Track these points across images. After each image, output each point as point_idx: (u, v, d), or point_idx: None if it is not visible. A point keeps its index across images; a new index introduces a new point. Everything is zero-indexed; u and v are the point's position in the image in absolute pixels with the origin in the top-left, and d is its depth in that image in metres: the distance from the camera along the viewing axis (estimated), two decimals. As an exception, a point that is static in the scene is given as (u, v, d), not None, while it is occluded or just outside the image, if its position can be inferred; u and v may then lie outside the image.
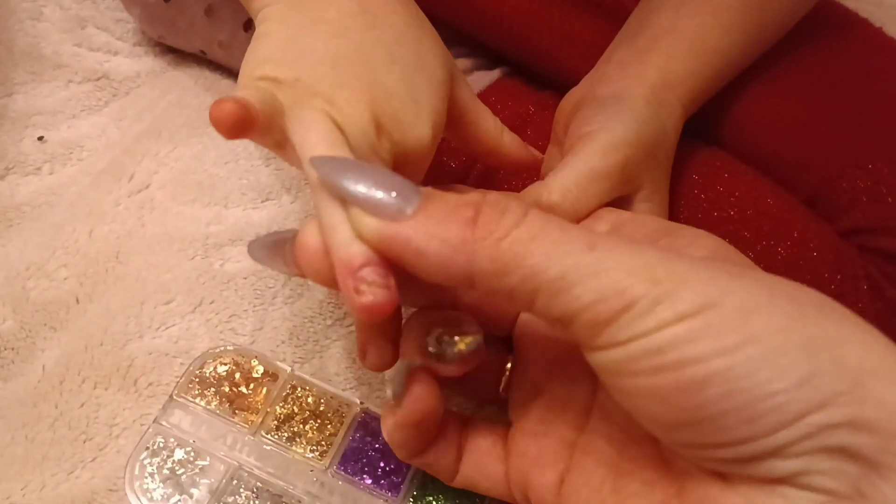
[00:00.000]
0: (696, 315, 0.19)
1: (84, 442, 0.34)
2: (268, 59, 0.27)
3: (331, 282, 0.24)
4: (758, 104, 0.41)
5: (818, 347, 0.19)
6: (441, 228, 0.22)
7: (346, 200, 0.23)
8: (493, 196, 0.22)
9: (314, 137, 0.25)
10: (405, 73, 0.29)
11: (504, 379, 0.29)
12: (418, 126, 0.29)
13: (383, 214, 0.22)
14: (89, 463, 0.33)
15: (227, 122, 0.23)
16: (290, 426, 0.33)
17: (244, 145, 0.44)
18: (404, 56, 0.29)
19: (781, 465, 0.19)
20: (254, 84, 0.26)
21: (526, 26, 0.44)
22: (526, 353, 0.29)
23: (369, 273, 0.22)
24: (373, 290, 0.22)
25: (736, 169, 0.39)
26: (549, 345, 0.28)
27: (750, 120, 0.41)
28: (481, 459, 0.27)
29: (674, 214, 0.38)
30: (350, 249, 0.22)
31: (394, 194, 0.22)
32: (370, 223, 0.22)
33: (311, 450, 0.33)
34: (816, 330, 0.19)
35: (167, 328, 0.37)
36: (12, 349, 0.37)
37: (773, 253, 0.36)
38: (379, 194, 0.22)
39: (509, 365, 0.29)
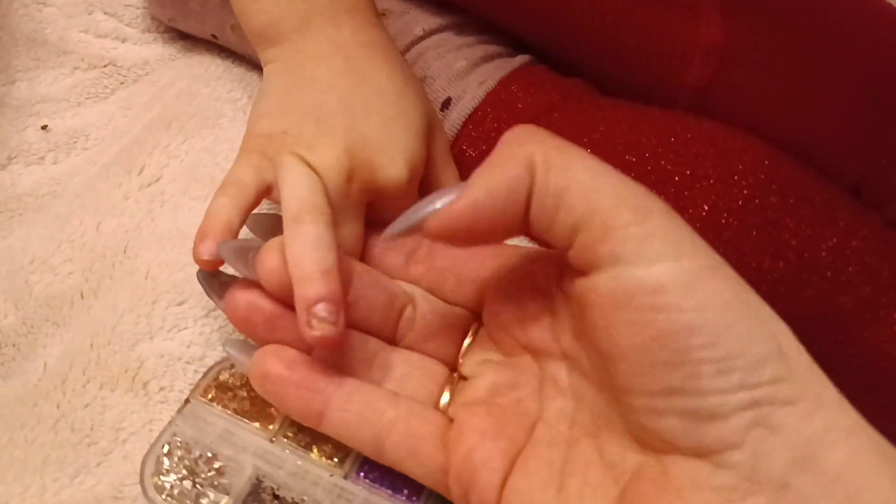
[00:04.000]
0: (691, 262, 0.23)
1: (88, 446, 0.33)
2: (264, 114, 0.35)
3: (283, 297, 0.29)
4: (800, 89, 0.41)
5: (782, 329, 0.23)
6: (497, 172, 0.25)
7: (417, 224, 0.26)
8: None
9: (293, 179, 0.31)
10: (382, 121, 0.34)
11: (462, 351, 0.32)
12: (392, 167, 0.34)
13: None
14: (94, 468, 0.33)
15: (206, 266, 0.31)
16: (308, 432, 0.33)
17: None
18: (382, 107, 0.35)
19: (727, 430, 0.22)
20: (252, 142, 0.34)
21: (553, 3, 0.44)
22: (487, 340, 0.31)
23: (322, 309, 0.27)
24: (322, 327, 0.27)
25: (776, 156, 0.39)
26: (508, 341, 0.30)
27: (792, 106, 0.41)
28: (418, 444, 0.28)
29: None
30: (309, 286, 0.28)
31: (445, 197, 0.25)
32: (434, 222, 0.25)
33: (330, 456, 0.32)
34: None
35: (179, 331, 0.36)
36: (13, 345, 0.37)
37: (817, 242, 0.36)
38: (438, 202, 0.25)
39: (468, 341, 0.32)
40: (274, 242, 0.29)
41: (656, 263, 0.23)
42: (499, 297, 0.31)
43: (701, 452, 0.23)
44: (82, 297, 0.38)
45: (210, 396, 0.33)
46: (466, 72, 0.44)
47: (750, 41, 0.41)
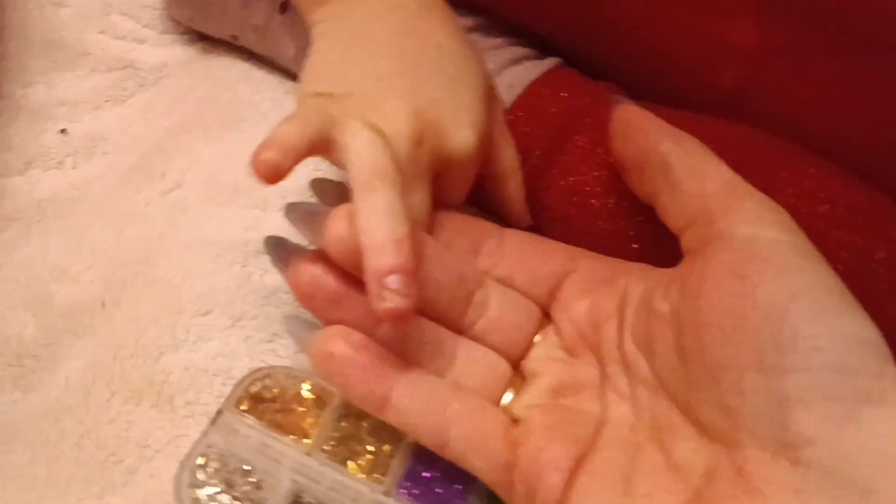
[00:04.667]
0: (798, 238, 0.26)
1: (114, 464, 0.33)
2: (321, 76, 0.32)
3: (350, 266, 0.28)
4: (841, 90, 0.39)
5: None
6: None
7: None
8: None
9: (361, 143, 0.28)
10: (448, 83, 0.32)
11: (529, 351, 0.31)
12: (462, 131, 0.32)
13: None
14: (120, 487, 0.32)
15: (261, 175, 0.27)
16: (346, 447, 0.32)
17: None
18: (446, 68, 0.33)
19: (811, 420, 0.22)
20: (310, 102, 0.31)
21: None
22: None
23: (394, 281, 0.26)
24: (394, 299, 0.26)
25: (821, 163, 0.38)
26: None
27: (833, 108, 0.40)
28: (483, 438, 0.28)
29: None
30: (381, 256, 0.26)
31: None
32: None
33: (368, 472, 0.31)
34: None
35: (205, 342, 0.35)
36: (33, 356, 0.36)
37: (869, 253, 0.35)
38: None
39: (538, 337, 0.31)
40: (343, 209, 0.28)
41: (769, 235, 0.25)
42: (575, 294, 0.31)
43: (781, 445, 0.22)
44: (104, 306, 0.37)
45: (243, 408, 0.32)
46: (495, 74, 0.43)
47: (787, 41, 0.40)
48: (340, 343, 0.28)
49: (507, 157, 0.36)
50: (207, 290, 0.37)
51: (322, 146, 0.28)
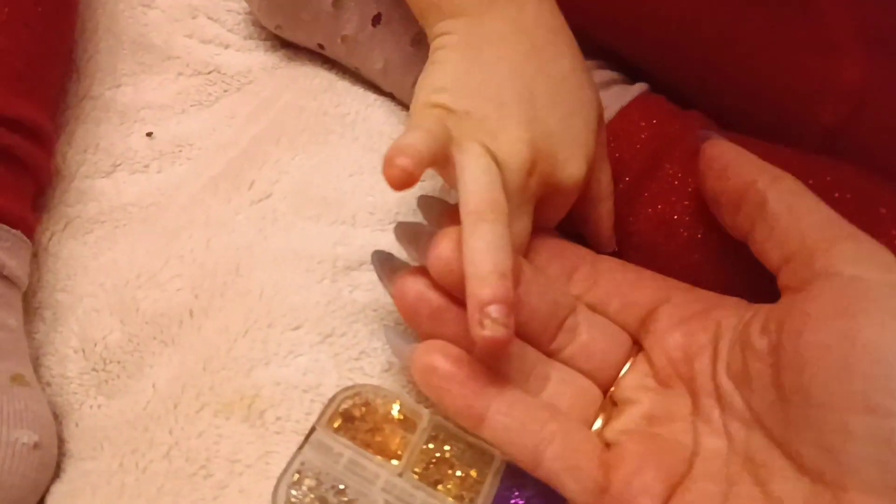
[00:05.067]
0: None
1: (204, 478, 0.32)
2: (443, 89, 0.32)
3: (451, 286, 0.29)
4: None
5: None
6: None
7: None
8: None
9: (477, 170, 0.29)
10: (565, 114, 0.33)
11: (619, 378, 0.32)
12: (573, 164, 0.32)
13: None
14: (210, 502, 0.31)
15: (395, 182, 0.27)
16: (437, 469, 0.32)
17: (369, 158, 0.42)
18: (565, 98, 0.33)
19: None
20: (429, 112, 0.31)
21: (689, 24, 0.42)
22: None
23: (494, 310, 0.26)
24: (494, 328, 0.26)
25: None
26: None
27: None
28: (577, 460, 0.28)
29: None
30: (485, 286, 0.27)
31: None
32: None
33: (458, 496, 0.31)
34: None
35: (295, 357, 0.35)
36: (118, 363, 0.36)
37: None
38: None
39: (628, 365, 0.32)
40: (450, 233, 0.29)
41: (874, 276, 0.25)
42: (669, 325, 0.31)
43: (889, 488, 0.22)
44: (192, 315, 0.36)
45: (336, 426, 0.32)
46: (584, 97, 0.42)
47: (892, 78, 0.39)
48: (441, 357, 0.29)
49: (603, 181, 0.37)
50: (298, 304, 0.36)
51: (440, 160, 0.29)
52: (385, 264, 0.33)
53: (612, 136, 0.41)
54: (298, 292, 0.37)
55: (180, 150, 0.42)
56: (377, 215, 0.40)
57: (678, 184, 0.38)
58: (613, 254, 0.37)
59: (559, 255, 0.34)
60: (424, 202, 0.35)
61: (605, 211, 0.37)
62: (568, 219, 0.37)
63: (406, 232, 0.33)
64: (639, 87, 0.44)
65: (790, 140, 0.42)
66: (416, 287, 0.30)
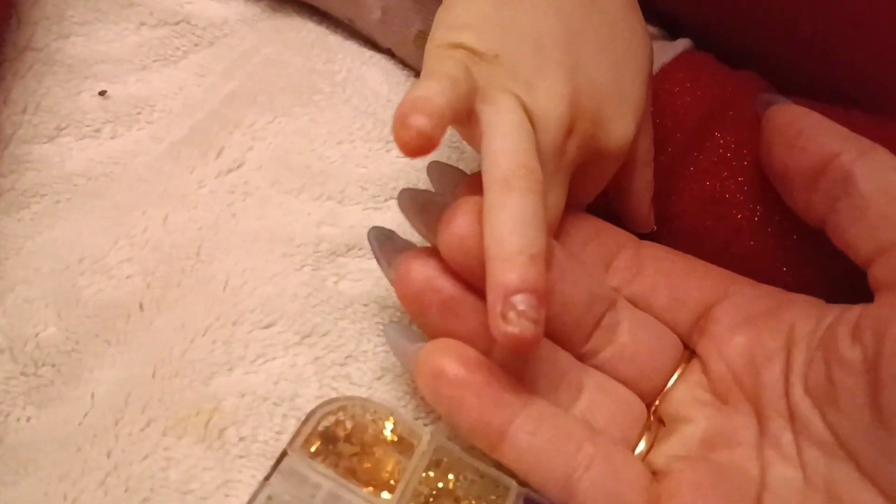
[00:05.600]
0: None
1: (148, 512, 0.26)
2: (467, 26, 0.26)
3: (467, 272, 0.25)
4: None
5: None
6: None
7: None
8: None
9: (505, 126, 0.25)
10: (614, 62, 0.28)
11: (667, 390, 0.28)
12: (621, 123, 0.28)
13: None
14: (154, 543, 0.25)
15: (409, 147, 0.22)
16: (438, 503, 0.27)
17: (361, 123, 0.36)
18: (615, 45, 0.28)
19: None
20: (448, 55, 0.26)
21: None
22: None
23: (522, 301, 0.23)
24: (520, 323, 0.22)
25: None
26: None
27: None
28: (620, 489, 0.25)
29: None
30: (511, 270, 0.23)
31: None
32: None
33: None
34: None
35: (266, 362, 0.29)
36: (52, 365, 0.30)
37: None
38: None
39: (678, 374, 0.29)
40: (470, 203, 0.25)
41: None
42: (729, 327, 0.28)
43: None
44: (142, 308, 0.30)
45: (313, 449, 0.26)
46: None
47: None
48: (453, 360, 0.25)
49: (643, 146, 0.32)
50: (271, 296, 0.30)
51: (463, 116, 0.25)
52: (385, 243, 0.28)
53: (652, 98, 0.34)
54: (272, 282, 0.31)
55: (139, 113, 0.36)
56: (370, 190, 0.34)
57: (731, 156, 0.33)
58: (650, 239, 0.32)
59: (596, 238, 0.30)
60: (437, 170, 0.30)
61: (643, 182, 0.32)
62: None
63: (413, 200, 0.28)
64: (682, 43, 0.38)
65: (865, 106, 0.36)
66: (423, 271, 0.25)
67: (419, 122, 0.22)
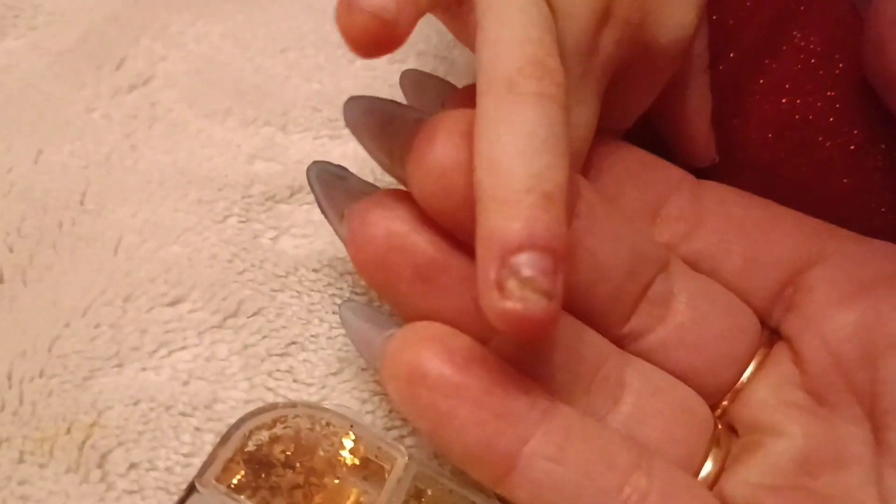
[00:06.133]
0: None
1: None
2: None
3: (452, 224, 0.19)
4: None
5: None
6: None
7: None
8: None
9: (508, 8, 0.19)
10: None
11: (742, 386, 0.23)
12: (676, 12, 0.23)
13: None
14: None
15: (360, 42, 0.17)
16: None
17: (315, 23, 0.28)
18: None
19: None
20: None
21: None
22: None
23: (529, 263, 0.16)
24: (525, 295, 0.16)
25: None
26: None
27: None
28: (679, 494, 0.20)
29: None
30: (511, 215, 0.17)
31: None
32: None
33: None
34: None
35: (170, 353, 0.22)
36: None
37: None
38: None
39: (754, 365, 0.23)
40: (454, 117, 0.19)
41: None
42: (829, 300, 0.22)
43: None
44: (1, 280, 0.23)
45: (237, 480, 0.20)
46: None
47: None
48: (437, 353, 0.19)
49: (697, 49, 0.26)
50: (180, 260, 0.23)
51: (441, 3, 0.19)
52: (333, 187, 0.21)
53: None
54: (182, 239, 0.23)
55: (16, 16, 0.29)
56: (325, 112, 0.27)
57: (816, 62, 0.28)
58: (710, 176, 0.26)
59: (639, 176, 0.24)
60: (412, 81, 0.25)
61: (698, 96, 0.27)
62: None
63: (367, 114, 0.21)
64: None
65: None
66: (387, 224, 0.19)
67: (371, 3, 0.16)
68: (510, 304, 0.16)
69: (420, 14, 0.18)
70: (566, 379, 0.21)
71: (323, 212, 0.21)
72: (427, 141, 0.18)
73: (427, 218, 0.19)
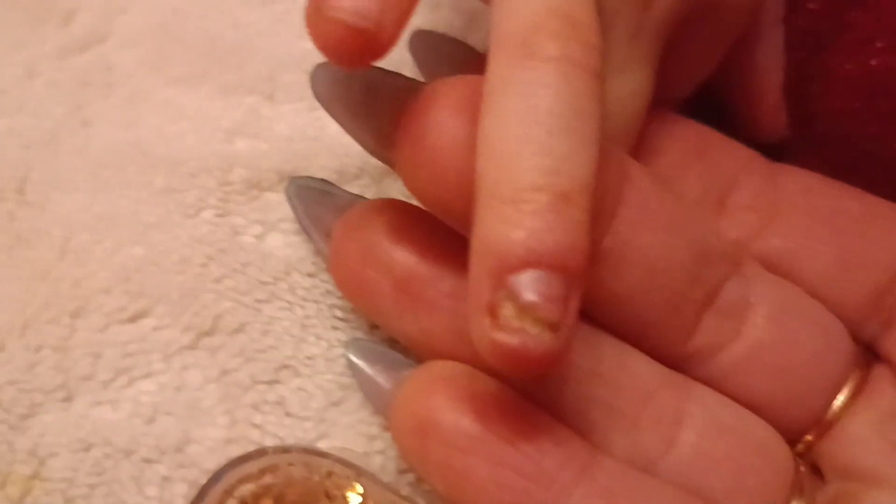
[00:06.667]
0: None
1: None
2: None
3: (452, 219, 0.16)
4: None
5: None
6: None
7: None
8: None
9: None
10: None
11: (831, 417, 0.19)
12: None
13: None
14: None
15: (333, 54, 0.15)
16: None
17: None
18: None
19: None
20: None
21: None
22: None
23: (532, 284, 0.14)
24: (524, 326, 0.14)
25: None
26: None
27: None
28: None
29: None
30: (512, 221, 0.14)
31: None
32: None
33: None
34: None
35: (130, 383, 0.18)
36: None
37: None
38: None
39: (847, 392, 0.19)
40: (457, 84, 0.16)
41: None
42: None
43: None
44: None
45: None
46: None
47: None
48: (451, 399, 0.16)
49: (767, 2, 0.23)
50: (143, 264, 0.19)
51: None
52: (316, 202, 0.20)
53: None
54: (145, 238, 0.19)
55: None
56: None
57: None
58: (785, 153, 0.23)
59: (701, 157, 0.21)
60: (423, 44, 0.21)
61: (768, 56, 0.23)
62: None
63: (350, 85, 0.18)
64: None
65: None
66: (364, 237, 0.18)
67: (331, 26, 0.14)
68: (502, 337, 0.14)
69: (410, 12, 0.15)
70: (606, 417, 0.18)
71: (307, 233, 0.19)
72: (420, 115, 0.15)
73: (415, 226, 0.17)
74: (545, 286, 0.14)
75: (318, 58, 0.20)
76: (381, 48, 0.15)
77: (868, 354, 0.20)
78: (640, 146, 0.21)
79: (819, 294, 0.20)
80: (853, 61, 0.24)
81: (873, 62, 0.24)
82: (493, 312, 0.14)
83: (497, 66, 0.15)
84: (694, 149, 0.21)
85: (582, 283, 0.15)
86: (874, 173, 0.23)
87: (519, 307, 0.14)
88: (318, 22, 0.15)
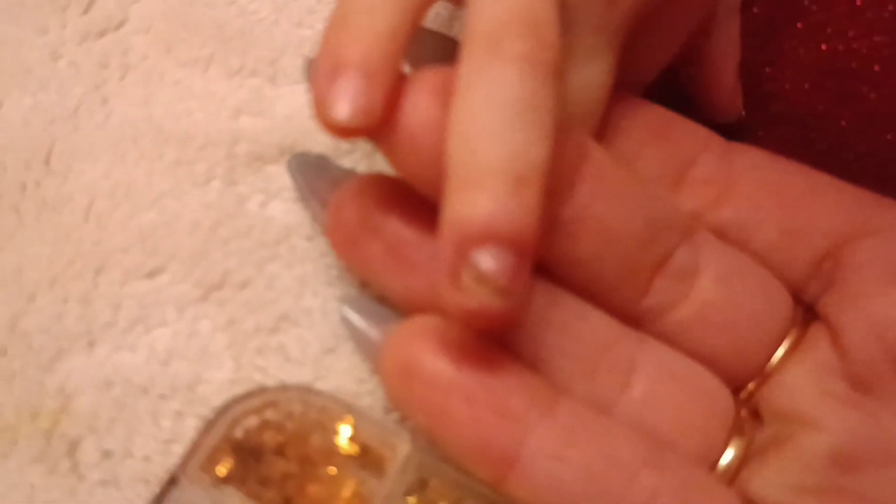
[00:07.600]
0: None
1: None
2: None
3: (429, 191, 0.17)
4: None
5: None
6: None
7: None
8: None
9: None
10: None
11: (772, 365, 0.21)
12: None
13: None
14: None
15: (342, 137, 0.17)
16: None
17: None
18: None
19: None
20: None
21: None
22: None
23: (488, 257, 0.16)
24: (480, 292, 0.16)
25: None
26: None
27: None
28: (693, 493, 0.19)
29: None
30: (474, 200, 0.16)
31: None
32: None
33: None
34: None
35: (147, 331, 0.20)
36: None
37: None
38: None
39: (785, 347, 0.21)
40: (433, 74, 0.17)
41: None
42: (878, 277, 0.21)
43: None
44: None
45: (222, 470, 0.18)
46: None
47: None
48: (432, 346, 0.18)
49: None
50: (158, 227, 0.21)
51: None
52: (314, 177, 0.21)
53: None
54: (160, 205, 0.21)
55: None
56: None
57: (861, 4, 0.26)
58: (742, 131, 0.26)
59: (661, 137, 0.22)
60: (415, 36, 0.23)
61: (724, 41, 0.25)
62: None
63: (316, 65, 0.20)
64: None
65: None
66: (360, 205, 0.19)
67: (346, 92, 0.16)
68: (463, 300, 0.16)
69: (400, 54, 0.17)
70: (567, 364, 0.19)
71: (306, 202, 0.21)
72: (401, 99, 0.17)
73: (402, 197, 0.19)
74: (499, 259, 0.16)
75: (315, 45, 0.22)
76: (384, 121, 0.17)
77: (808, 314, 0.22)
78: (605, 128, 0.22)
79: (766, 260, 0.22)
80: (805, 46, 0.26)
81: (823, 46, 0.26)
82: (454, 279, 0.16)
83: (467, 62, 0.17)
84: (655, 130, 0.23)
85: (531, 255, 0.16)
86: (822, 148, 0.25)
87: (476, 276, 0.16)
88: (322, 115, 0.16)
